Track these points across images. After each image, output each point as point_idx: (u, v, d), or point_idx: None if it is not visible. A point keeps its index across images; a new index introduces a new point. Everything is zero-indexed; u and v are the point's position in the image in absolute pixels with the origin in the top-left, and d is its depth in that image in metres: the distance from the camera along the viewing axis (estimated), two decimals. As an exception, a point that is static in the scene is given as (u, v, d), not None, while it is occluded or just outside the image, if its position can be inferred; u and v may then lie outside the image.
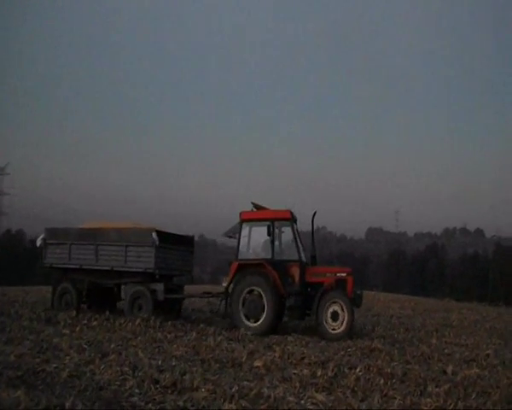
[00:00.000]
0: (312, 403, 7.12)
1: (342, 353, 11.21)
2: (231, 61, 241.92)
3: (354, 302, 14.17)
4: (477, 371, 9.69)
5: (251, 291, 14.18)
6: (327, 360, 10.02)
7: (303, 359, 10.11)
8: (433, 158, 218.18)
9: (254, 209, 15.29)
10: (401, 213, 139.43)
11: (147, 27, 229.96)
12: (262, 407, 6.78)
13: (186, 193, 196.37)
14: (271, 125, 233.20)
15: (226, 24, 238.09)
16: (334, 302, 13.86)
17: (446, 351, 12.15)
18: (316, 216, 15.27)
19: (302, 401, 7.19)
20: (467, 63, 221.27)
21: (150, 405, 6.74)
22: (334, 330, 13.74)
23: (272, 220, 14.59)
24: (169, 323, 14.23)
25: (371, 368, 9.38)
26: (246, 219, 14.95)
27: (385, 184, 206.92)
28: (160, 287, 15.59)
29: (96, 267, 16.29)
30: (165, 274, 16.14)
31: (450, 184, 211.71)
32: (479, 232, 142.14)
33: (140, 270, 15.63)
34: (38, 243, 17.45)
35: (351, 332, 13.85)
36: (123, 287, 16.43)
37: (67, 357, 9.24)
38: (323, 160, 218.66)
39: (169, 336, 12.48)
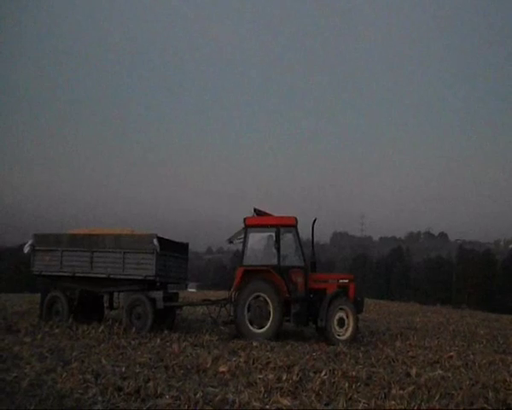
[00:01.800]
0: (277, 408, 7.09)
1: (307, 357, 11.21)
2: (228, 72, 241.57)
3: (357, 308, 14.39)
4: (440, 372, 9.82)
5: (256, 297, 14.09)
6: (292, 364, 9.99)
7: (268, 363, 10.07)
8: (398, 163, 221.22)
9: (255, 215, 15.21)
10: (366, 218, 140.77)
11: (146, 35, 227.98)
12: (227, 412, 6.74)
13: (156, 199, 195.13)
14: (243, 130, 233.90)
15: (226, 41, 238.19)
16: (341, 309, 14.04)
17: (410, 354, 12.24)
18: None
19: (267, 406, 7.15)
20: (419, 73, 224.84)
21: (113, 413, 6.65)
22: (339, 335, 13.89)
23: (278, 227, 14.58)
24: (133, 329, 14.04)
25: (336, 372, 9.38)
26: (250, 225, 14.85)
27: (350, 189, 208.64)
28: (159, 295, 15.08)
29: (90, 275, 15.58)
30: (162, 282, 15.69)
31: (415, 188, 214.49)
32: (443, 236, 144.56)
33: (140, 277, 15.06)
34: (26, 249, 16.52)
35: (356, 338, 14.08)
36: (121, 295, 15.97)
37: (28, 366, 9.05)
38: (289, 164, 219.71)
39: (133, 342, 12.32)
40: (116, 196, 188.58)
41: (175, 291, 16.46)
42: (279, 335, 14.10)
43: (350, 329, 13.96)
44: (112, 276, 15.29)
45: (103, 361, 9.63)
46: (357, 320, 14.11)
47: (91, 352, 10.84)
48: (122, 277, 15.23)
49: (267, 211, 15.53)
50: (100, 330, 13.72)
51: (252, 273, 14.29)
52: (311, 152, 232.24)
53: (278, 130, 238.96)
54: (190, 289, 16.37)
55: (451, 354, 12.25)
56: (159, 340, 12.75)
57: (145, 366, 9.50)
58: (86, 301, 16.22)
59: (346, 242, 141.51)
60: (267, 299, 13.98)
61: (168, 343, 12.39)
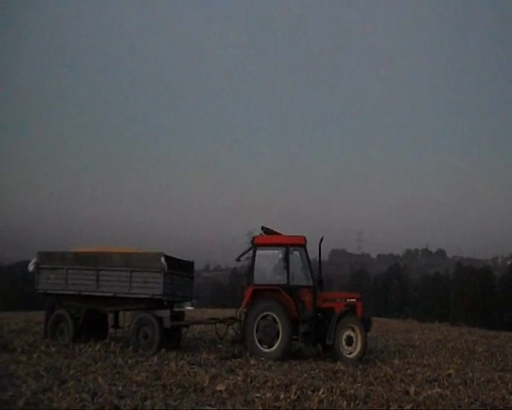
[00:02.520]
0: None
1: (305, 375, 11.16)
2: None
3: (365, 326, 14.36)
4: (439, 390, 9.75)
5: (264, 317, 14.02)
6: (290, 382, 9.95)
7: (266, 382, 10.02)
8: (395, 179, 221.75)
9: (263, 233, 15.18)
10: (364, 235, 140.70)
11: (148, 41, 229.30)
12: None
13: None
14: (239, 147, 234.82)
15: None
16: (349, 327, 14.05)
17: (409, 371, 12.18)
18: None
19: (265, 425, 7.12)
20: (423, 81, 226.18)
21: (110, 432, 6.60)
22: (348, 354, 13.90)
23: (287, 246, 14.55)
24: (130, 348, 13.95)
25: (334, 390, 9.35)
26: (259, 244, 14.80)
27: (348, 206, 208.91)
28: (166, 314, 14.94)
29: (96, 294, 15.38)
30: (169, 301, 15.53)
31: (412, 205, 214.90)
32: (440, 253, 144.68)
33: (147, 296, 14.89)
34: (31, 267, 16.29)
35: (364, 356, 14.06)
36: (127, 314, 15.81)
37: (24, 384, 9.03)
38: (286, 182, 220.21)
39: (130, 361, 12.25)
40: (107, 213, 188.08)
41: (182, 310, 16.33)
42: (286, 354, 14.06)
43: (358, 347, 13.95)
44: (118, 295, 15.12)
45: (100, 380, 9.56)
46: (365, 338, 14.09)
47: (88, 371, 10.78)
48: (129, 295, 15.09)
49: (274, 229, 15.45)
50: (96, 348, 13.65)
51: (260, 292, 14.24)
52: (306, 171, 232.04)
53: (273, 147, 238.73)
54: (188, 308, 16.24)
55: (450, 371, 12.18)
56: (156, 358, 12.67)
57: (142, 385, 9.46)
58: (91, 319, 16.08)
59: (344, 259, 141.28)
60: (276, 318, 13.93)
61: (165, 362, 12.32)
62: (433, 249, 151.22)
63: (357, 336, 14.00)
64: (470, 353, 17.21)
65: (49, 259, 16.03)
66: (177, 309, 16.33)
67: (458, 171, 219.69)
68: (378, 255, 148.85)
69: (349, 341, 13.99)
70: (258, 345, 13.90)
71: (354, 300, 14.98)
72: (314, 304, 14.34)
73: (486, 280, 74.89)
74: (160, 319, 14.79)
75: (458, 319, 45.20)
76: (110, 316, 16.92)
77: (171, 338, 15.47)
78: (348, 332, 14.02)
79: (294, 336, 14.19)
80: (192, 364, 12.32)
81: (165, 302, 15.16)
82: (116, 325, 16.89)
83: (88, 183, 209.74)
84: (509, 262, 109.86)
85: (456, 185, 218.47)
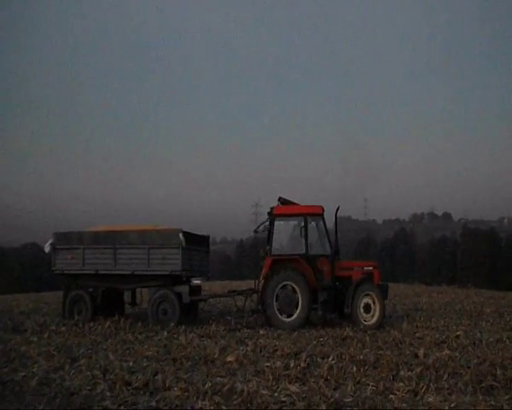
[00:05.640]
0: (286, 395, 7.10)
1: (315, 343, 11.25)
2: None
3: (382, 294, 14.50)
4: (448, 352, 9.82)
5: (283, 286, 14.13)
6: (299, 350, 10.03)
7: (275, 351, 10.11)
8: (400, 144, 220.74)
9: (280, 204, 15.15)
10: (370, 201, 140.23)
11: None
12: (235, 401, 6.74)
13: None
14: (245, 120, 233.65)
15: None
16: (367, 295, 14.18)
17: (417, 335, 12.25)
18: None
19: (276, 394, 7.16)
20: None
21: (122, 407, 6.69)
22: (366, 321, 14.00)
23: (305, 215, 14.58)
24: (139, 324, 14.03)
25: (344, 356, 9.43)
26: (278, 215, 14.87)
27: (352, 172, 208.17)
28: (185, 289, 15.01)
29: (114, 272, 15.42)
30: (187, 276, 15.61)
31: (417, 169, 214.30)
32: (446, 216, 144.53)
33: (165, 273, 14.94)
34: (47, 249, 16.22)
35: (382, 323, 14.14)
36: (146, 291, 15.82)
37: (36, 365, 9.09)
38: (292, 150, 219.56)
39: (140, 337, 12.35)
40: (110, 190, 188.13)
41: (198, 284, 16.35)
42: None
43: (376, 314, 14.08)
44: (136, 272, 15.16)
45: (111, 357, 9.65)
46: (383, 306, 14.22)
47: (98, 348, 10.90)
48: (147, 272, 15.12)
49: (289, 199, 15.42)
50: (106, 325, 13.75)
51: (279, 262, 14.33)
52: (311, 138, 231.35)
53: (280, 118, 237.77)
54: (195, 281, 16.26)
55: (458, 333, 12.25)
56: (165, 333, 12.77)
57: (153, 360, 9.54)
58: (108, 298, 16.20)
59: (350, 226, 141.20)
60: (295, 288, 14.05)
61: (175, 336, 12.41)
62: (439, 213, 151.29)
63: (375, 304, 14.12)
64: (478, 314, 17.27)
65: (66, 239, 15.99)
66: (193, 283, 16.35)
67: (462, 132, 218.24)
68: (384, 221, 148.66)
69: (367, 308, 14.12)
70: (279, 315, 14.02)
71: (371, 268, 15.11)
72: (332, 273, 14.45)
73: (493, 241, 74.77)
74: (179, 295, 14.87)
75: (466, 281, 45.22)
76: (126, 294, 17.00)
77: (189, 313, 15.60)
78: (366, 300, 14.14)
79: (313, 305, 14.29)
80: (202, 336, 12.42)
81: (184, 278, 15.22)
82: (133, 303, 17.00)
83: (94, 163, 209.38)
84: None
85: (460, 146, 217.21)
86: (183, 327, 13.57)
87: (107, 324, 13.86)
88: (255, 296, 14.98)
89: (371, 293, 14.19)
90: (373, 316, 14.09)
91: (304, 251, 14.39)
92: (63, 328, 13.71)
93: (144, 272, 15.13)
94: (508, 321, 15.21)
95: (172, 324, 14.10)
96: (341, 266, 14.87)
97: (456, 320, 15.32)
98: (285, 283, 14.10)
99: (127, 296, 17.27)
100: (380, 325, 13.88)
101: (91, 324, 14.04)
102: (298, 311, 13.99)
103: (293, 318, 13.99)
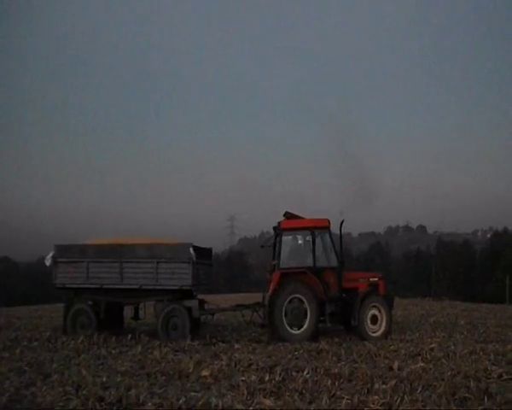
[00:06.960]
0: (261, 409, 7.07)
1: (290, 356, 11.24)
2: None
3: (388, 305, 14.67)
4: (422, 365, 9.86)
5: (292, 299, 14.17)
6: (274, 364, 10.00)
7: (250, 365, 10.06)
8: (374, 156, 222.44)
9: (285, 218, 15.26)
10: (345, 214, 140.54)
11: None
12: (209, 416, 6.70)
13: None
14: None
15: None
16: (373, 306, 14.35)
17: (392, 347, 12.28)
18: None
19: (250, 408, 7.16)
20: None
21: (95, 423, 6.57)
22: (373, 333, 14.20)
23: (312, 229, 14.70)
24: (113, 338, 13.86)
25: (318, 369, 9.42)
26: (285, 229, 14.98)
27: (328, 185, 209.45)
28: (195, 304, 14.86)
29: (120, 286, 15.12)
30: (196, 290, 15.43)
31: (392, 182, 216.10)
32: (421, 229, 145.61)
33: (175, 287, 14.74)
34: (48, 262, 15.71)
35: (388, 334, 14.28)
36: (155, 305, 15.39)
37: (7, 381, 8.93)
38: (265, 166, 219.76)
39: (113, 351, 12.22)
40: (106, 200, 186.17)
41: (202, 298, 16.16)
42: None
43: (383, 325, 14.28)
44: (144, 287, 14.92)
45: (84, 372, 9.49)
46: (390, 317, 14.42)
47: (71, 363, 10.73)
48: (155, 287, 14.90)
49: (295, 213, 15.56)
50: (79, 340, 13.53)
51: (287, 276, 14.39)
52: (285, 154, 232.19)
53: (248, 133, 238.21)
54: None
55: (432, 345, 12.30)
56: (140, 347, 12.62)
57: (126, 375, 9.43)
58: (110, 312, 15.86)
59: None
60: (304, 300, 14.13)
61: (149, 350, 12.29)
62: (414, 226, 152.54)
63: (381, 315, 14.32)
64: (452, 326, 17.43)
65: (68, 252, 15.60)
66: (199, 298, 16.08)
67: (437, 144, 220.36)
68: (359, 234, 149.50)
69: (374, 320, 14.30)
70: (288, 328, 14.08)
71: (377, 279, 15.38)
72: (339, 285, 14.60)
73: (467, 254, 75.59)
74: (189, 309, 14.74)
75: (440, 294, 45.65)
76: (128, 308, 16.82)
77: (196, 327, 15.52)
78: (373, 311, 14.33)
79: (321, 317, 14.41)
80: (176, 351, 12.33)
81: (194, 293, 15.13)
82: (136, 317, 16.72)
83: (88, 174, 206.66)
84: (488, 235, 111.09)
85: (435, 160, 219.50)
86: (157, 342, 13.45)
87: (81, 339, 13.66)
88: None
89: (378, 304, 14.39)
90: (380, 327, 14.29)
91: (312, 264, 14.54)
92: (35, 343, 13.52)
93: (152, 287, 14.92)
94: (481, 333, 15.36)
95: (188, 339, 13.81)
96: (348, 277, 15.04)
97: (431, 333, 15.40)
98: (293, 296, 14.19)
99: (127, 310, 17.04)
100: (387, 336, 14.06)
101: (64, 339, 13.83)
102: (307, 323, 14.08)
103: (301, 330, 14.08)
